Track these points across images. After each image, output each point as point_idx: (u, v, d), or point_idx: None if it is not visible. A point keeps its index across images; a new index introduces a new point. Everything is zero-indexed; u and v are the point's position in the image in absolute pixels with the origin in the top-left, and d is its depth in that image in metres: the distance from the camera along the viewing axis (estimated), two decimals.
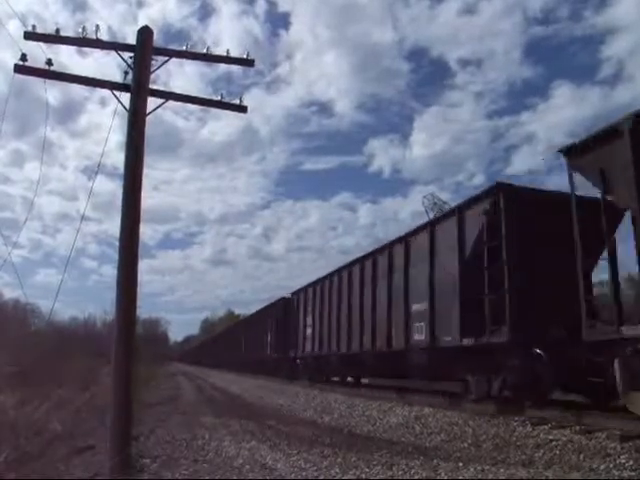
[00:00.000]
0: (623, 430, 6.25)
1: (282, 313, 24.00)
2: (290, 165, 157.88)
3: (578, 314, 7.34)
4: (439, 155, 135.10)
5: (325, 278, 18.31)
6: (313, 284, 19.65)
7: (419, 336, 11.15)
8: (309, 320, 19.51)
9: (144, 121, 6.22)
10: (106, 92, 6.54)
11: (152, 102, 6.44)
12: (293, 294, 22.65)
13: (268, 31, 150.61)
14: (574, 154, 7.68)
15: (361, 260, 15.17)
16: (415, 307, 11.46)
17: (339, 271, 16.94)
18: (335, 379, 18.45)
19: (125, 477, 5.39)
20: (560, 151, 7.89)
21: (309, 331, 19.35)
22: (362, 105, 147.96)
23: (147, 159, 6.27)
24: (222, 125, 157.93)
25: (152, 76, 6.41)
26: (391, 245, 13.27)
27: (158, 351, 51.93)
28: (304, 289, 20.83)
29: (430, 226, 11.40)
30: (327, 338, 17.22)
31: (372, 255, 14.42)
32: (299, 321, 20.85)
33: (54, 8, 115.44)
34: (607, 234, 7.21)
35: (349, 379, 17.69)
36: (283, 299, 24.66)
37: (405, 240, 12.39)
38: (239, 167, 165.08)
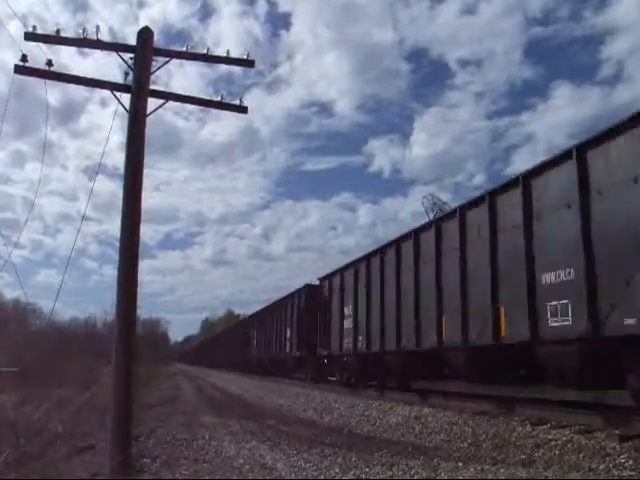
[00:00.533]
0: (622, 430, 6.25)
1: (306, 303, 20.01)
2: (291, 165, 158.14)
3: None
4: (439, 155, 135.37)
5: (374, 254, 14.06)
6: (354, 264, 15.46)
7: (560, 320, 7.59)
8: (348, 309, 15.47)
9: (144, 121, 6.24)
10: (106, 92, 6.58)
11: (152, 102, 6.47)
12: (322, 279, 18.55)
13: (269, 31, 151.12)
14: None
15: (435, 224, 11.23)
16: (549, 278, 7.87)
17: (397, 242, 12.81)
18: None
19: (125, 477, 5.40)
20: None
21: (348, 323, 15.32)
22: (362, 105, 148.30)
23: (147, 159, 6.30)
24: (222, 125, 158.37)
25: (152, 76, 6.44)
26: (493, 195, 9.25)
27: (159, 351, 51.99)
28: (339, 271, 16.70)
29: (578, 156, 7.41)
30: (379, 331, 13.16)
31: (455, 215, 10.38)
32: (331, 312, 16.95)
33: (55, 9, 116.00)
34: None
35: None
36: (307, 286, 20.45)
37: (523, 184, 8.45)
38: (239, 167, 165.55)
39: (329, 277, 17.77)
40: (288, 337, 22.06)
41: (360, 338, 14.35)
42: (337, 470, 5.97)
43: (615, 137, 6.95)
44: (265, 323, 27.53)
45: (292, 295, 22.38)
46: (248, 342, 31.87)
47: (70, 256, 7.75)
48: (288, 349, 21.93)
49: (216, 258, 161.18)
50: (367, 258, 14.45)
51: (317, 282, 19.43)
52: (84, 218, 7.50)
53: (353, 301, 15.06)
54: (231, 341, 40.20)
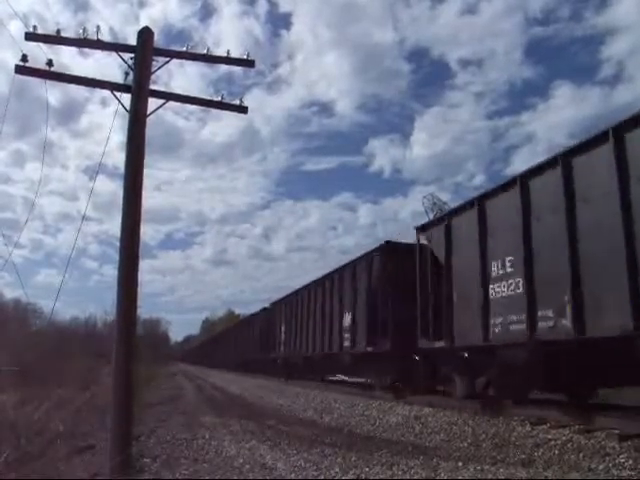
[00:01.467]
0: (622, 430, 6.25)
1: (384, 272, 12.85)
2: (291, 165, 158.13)
3: None
4: (439, 155, 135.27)
5: (590, 145, 7.02)
6: (518, 180, 8.37)
7: None
8: (501, 264, 8.65)
9: (145, 121, 6.25)
10: (107, 92, 6.57)
11: (153, 102, 6.48)
12: (424, 227, 11.44)
13: (269, 31, 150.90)
14: None
15: None
16: None
17: None
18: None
19: (125, 477, 5.41)
20: None
21: (504, 289, 8.53)
22: (363, 105, 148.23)
23: (148, 159, 6.31)
24: (223, 125, 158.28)
25: (153, 76, 6.44)
26: None
27: (159, 351, 51.93)
28: (474, 203, 9.53)
29: None
30: (625, 288, 6.26)
31: None
32: (452, 277, 10.08)
33: (56, 8, 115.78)
34: None
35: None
36: (387, 246, 13.00)
37: None
38: (239, 167, 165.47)
39: (444, 220, 10.63)
40: (347, 326, 14.93)
41: (548, 312, 7.60)
42: (337, 470, 5.97)
43: None
44: (301, 310, 19.95)
45: (354, 264, 14.84)
46: (271, 337, 25.01)
47: (70, 256, 7.78)
48: (347, 343, 14.83)
49: (217, 258, 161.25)
50: (566, 157, 7.40)
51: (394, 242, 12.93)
52: (84, 218, 7.52)
53: (524, 245, 8.10)
54: (243, 339, 33.96)
